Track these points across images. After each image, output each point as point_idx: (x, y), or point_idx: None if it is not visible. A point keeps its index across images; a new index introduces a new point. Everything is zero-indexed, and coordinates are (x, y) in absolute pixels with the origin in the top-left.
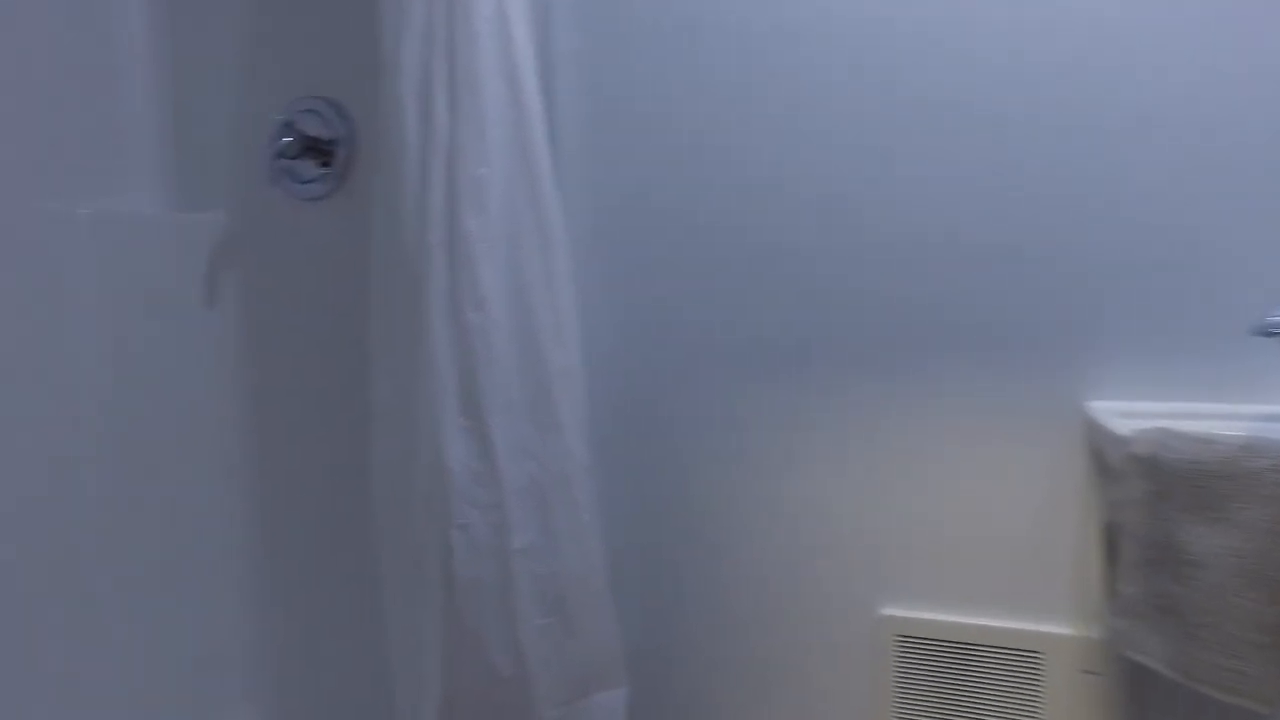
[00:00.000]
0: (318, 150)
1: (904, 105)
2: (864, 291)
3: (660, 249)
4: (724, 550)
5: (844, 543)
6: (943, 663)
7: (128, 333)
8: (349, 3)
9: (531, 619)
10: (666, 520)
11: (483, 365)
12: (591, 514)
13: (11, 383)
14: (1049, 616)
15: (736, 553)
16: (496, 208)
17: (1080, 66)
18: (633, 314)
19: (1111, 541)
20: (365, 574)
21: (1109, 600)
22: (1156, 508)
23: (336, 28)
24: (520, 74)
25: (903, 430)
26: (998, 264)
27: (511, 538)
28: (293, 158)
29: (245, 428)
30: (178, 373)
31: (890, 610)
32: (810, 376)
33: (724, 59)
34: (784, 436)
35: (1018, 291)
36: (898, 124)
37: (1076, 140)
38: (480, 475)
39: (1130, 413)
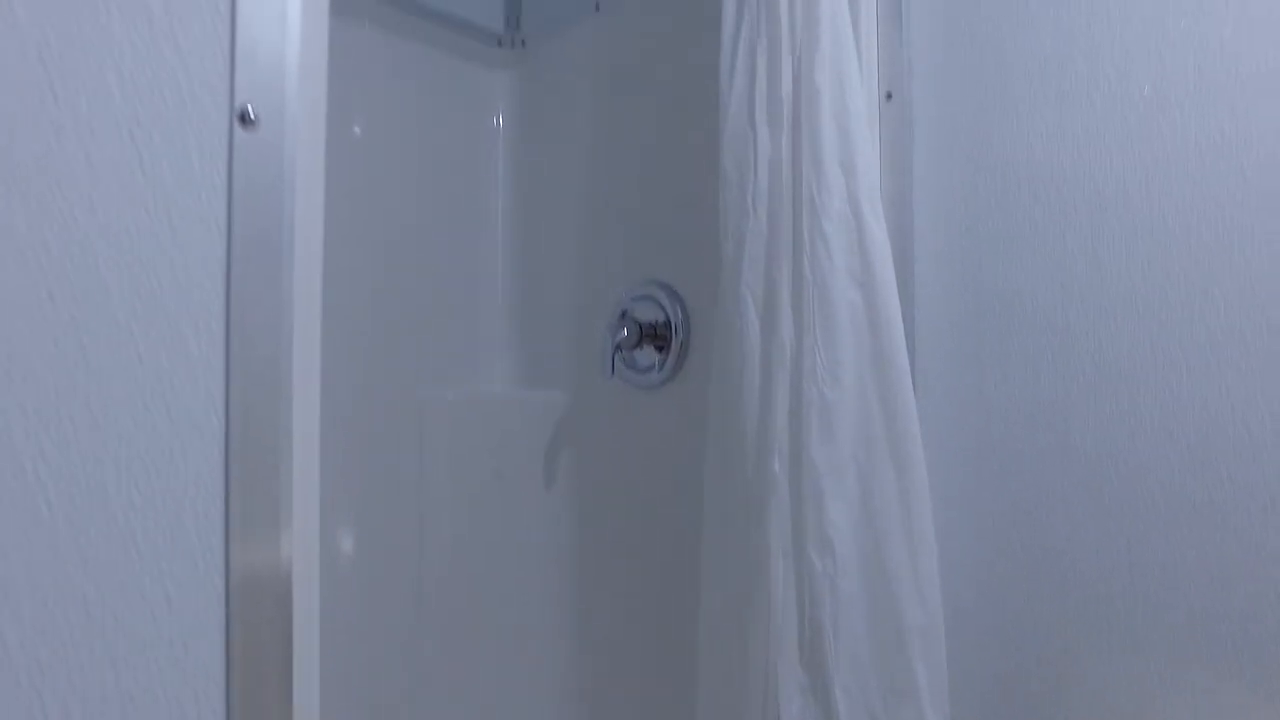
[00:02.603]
0: (654, 335)
1: None
2: None
3: (1046, 479)
4: None
5: None
6: None
7: (476, 505)
8: (685, 192)
9: None
10: None
11: (827, 616)
12: None
13: (376, 547)
14: None
15: None
16: (846, 434)
17: None
18: (1006, 561)
19: None
20: None
21: None
22: None
23: (670, 214)
24: (876, 277)
25: None
26: None
27: None
28: (631, 348)
29: (574, 608)
30: (516, 547)
31: None
32: None
33: (1143, 225)
34: None
35: None
36: None
37: None
38: None
39: None
